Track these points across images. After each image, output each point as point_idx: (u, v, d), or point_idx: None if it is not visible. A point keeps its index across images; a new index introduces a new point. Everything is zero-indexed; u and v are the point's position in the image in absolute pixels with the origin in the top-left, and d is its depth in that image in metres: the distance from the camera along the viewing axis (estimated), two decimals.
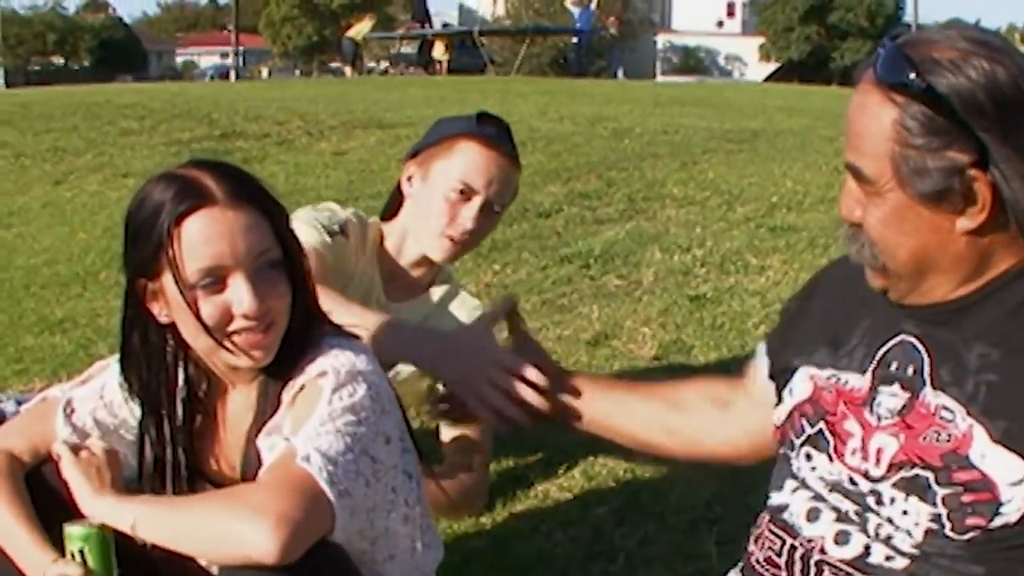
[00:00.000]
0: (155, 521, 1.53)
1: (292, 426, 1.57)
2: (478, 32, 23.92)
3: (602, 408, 1.83)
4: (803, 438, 1.53)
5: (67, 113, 9.79)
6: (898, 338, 1.45)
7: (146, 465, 1.71)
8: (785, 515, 1.51)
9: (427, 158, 2.43)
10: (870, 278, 1.47)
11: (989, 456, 1.33)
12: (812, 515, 1.48)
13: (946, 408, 1.37)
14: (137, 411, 1.71)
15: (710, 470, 2.65)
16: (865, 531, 1.42)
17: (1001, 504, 1.32)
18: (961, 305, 1.41)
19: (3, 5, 47.05)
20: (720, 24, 44.26)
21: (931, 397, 1.39)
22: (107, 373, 1.76)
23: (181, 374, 1.68)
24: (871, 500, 1.42)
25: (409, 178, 2.46)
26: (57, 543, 1.55)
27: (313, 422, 1.55)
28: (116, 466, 1.67)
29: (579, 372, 2.06)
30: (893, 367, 1.45)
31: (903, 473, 1.39)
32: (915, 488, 1.37)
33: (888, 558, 1.40)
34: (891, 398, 1.43)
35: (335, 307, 1.86)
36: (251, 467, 1.61)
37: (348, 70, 23.86)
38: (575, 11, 23.84)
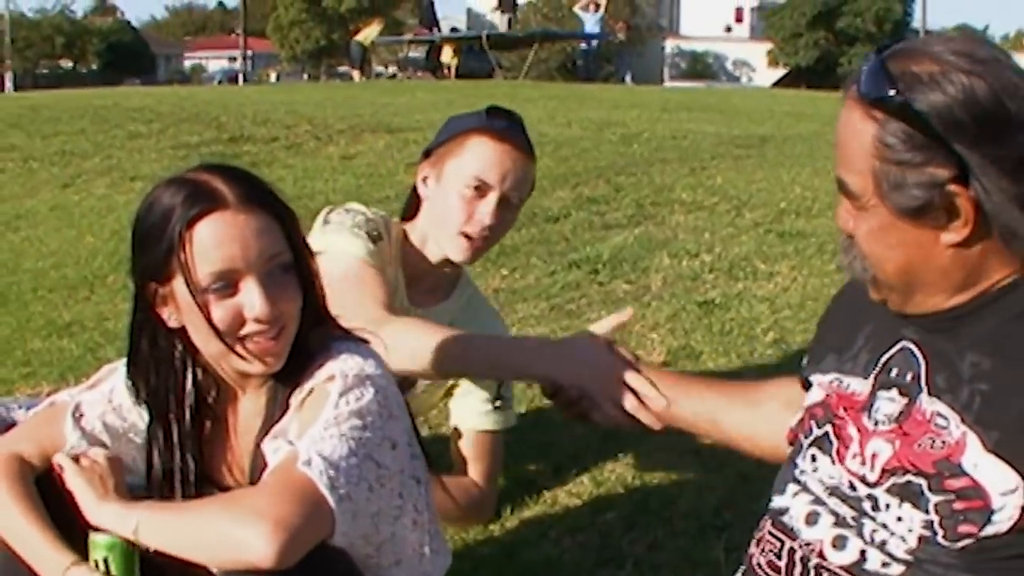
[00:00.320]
0: (156, 526, 1.53)
1: (298, 430, 1.57)
2: (486, 37, 23.86)
3: (692, 410, 1.86)
4: (811, 439, 1.54)
5: (75, 116, 9.82)
6: (899, 344, 1.47)
7: (155, 471, 1.70)
8: (785, 518, 1.52)
9: (440, 157, 2.39)
10: (868, 290, 1.48)
11: (982, 465, 1.33)
12: (811, 519, 1.49)
13: (941, 415, 1.38)
14: (146, 415, 1.71)
15: (719, 476, 2.65)
16: (861, 536, 1.43)
17: (993, 512, 1.33)
18: (957, 314, 1.42)
19: (12, 8, 47.12)
20: (728, 29, 44.28)
21: (927, 404, 1.40)
22: (115, 377, 1.75)
23: (189, 379, 1.67)
24: (867, 505, 1.43)
25: (424, 179, 2.41)
26: (70, 546, 1.55)
27: (318, 426, 1.54)
28: (119, 472, 1.67)
29: (668, 372, 2.12)
30: (893, 373, 1.46)
31: (896, 479, 1.39)
32: (908, 494, 1.38)
33: (884, 564, 1.40)
34: (889, 403, 1.44)
35: (432, 330, 2.02)
36: (258, 472, 1.61)
37: (356, 74, 23.84)
38: (583, 16, 23.83)
